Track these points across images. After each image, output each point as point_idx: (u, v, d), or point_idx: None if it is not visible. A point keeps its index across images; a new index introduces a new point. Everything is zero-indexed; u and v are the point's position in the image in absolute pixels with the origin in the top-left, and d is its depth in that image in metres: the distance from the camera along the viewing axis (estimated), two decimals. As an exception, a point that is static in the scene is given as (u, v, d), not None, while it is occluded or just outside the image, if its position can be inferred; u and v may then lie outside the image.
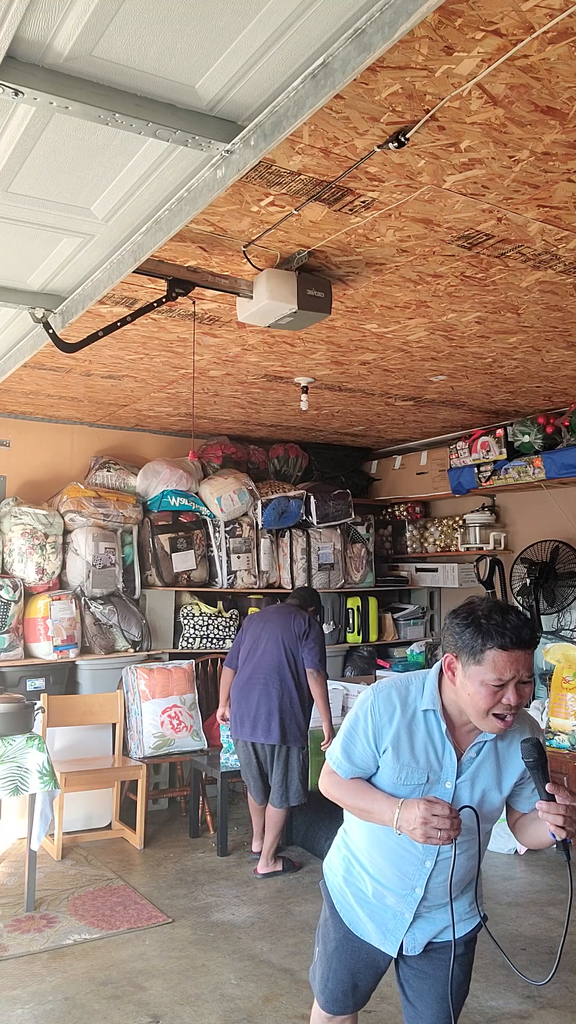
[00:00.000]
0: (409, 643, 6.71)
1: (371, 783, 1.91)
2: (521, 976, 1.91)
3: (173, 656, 5.69)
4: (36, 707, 4.18)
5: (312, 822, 4.70)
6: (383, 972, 2.06)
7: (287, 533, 6.31)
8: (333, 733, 4.46)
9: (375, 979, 2.06)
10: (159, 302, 3.07)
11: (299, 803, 4.37)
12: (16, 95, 1.68)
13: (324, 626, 6.39)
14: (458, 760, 1.84)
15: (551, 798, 1.70)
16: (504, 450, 5.57)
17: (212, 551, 5.99)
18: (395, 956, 1.96)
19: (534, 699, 5.64)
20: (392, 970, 2.08)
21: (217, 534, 5.98)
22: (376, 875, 1.94)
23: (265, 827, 4.44)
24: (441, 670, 1.84)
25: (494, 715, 1.74)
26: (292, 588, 6.27)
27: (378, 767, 1.89)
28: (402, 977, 2.03)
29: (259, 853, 4.48)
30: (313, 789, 4.00)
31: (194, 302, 3.39)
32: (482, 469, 5.76)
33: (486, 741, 1.85)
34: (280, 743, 4.34)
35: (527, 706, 2.65)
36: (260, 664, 4.45)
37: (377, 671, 6.44)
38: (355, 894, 1.99)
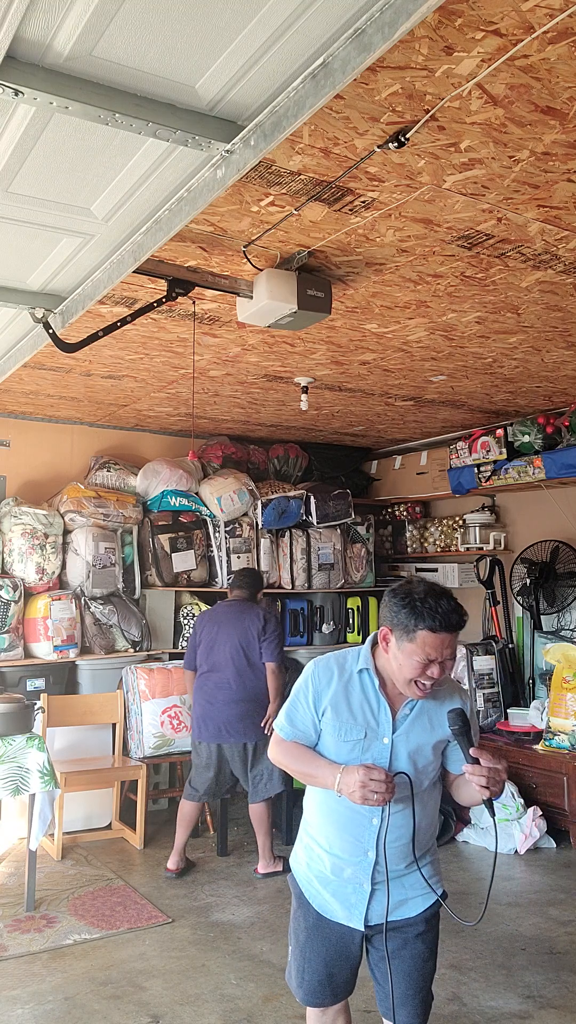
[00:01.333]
0: (409, 643, 6.71)
1: (317, 752, 2.06)
2: (454, 916, 2.04)
3: (173, 656, 5.69)
4: (36, 707, 4.18)
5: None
6: (357, 960, 2.12)
7: (287, 533, 6.31)
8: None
9: (350, 967, 2.11)
10: (159, 302, 3.07)
11: (281, 790, 4.39)
12: (16, 95, 1.68)
13: (324, 625, 6.40)
14: (393, 717, 2.00)
15: (476, 761, 1.90)
16: (504, 450, 5.57)
17: (212, 551, 5.99)
18: (362, 929, 2.04)
19: (534, 699, 5.65)
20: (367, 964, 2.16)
21: (217, 534, 5.98)
22: (332, 849, 2.05)
23: (255, 827, 4.44)
24: (375, 640, 2.03)
25: (416, 683, 1.93)
26: (292, 588, 6.28)
27: (320, 734, 2.04)
28: (372, 963, 2.12)
29: (175, 871, 4.36)
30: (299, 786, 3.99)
31: (194, 302, 3.39)
32: (482, 469, 5.76)
33: (416, 702, 2.02)
34: (250, 741, 4.37)
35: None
36: (218, 667, 4.46)
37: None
38: (318, 876, 2.09)
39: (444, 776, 2.13)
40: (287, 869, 4.19)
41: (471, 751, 1.91)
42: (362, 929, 2.05)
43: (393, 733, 1.99)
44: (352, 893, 2.04)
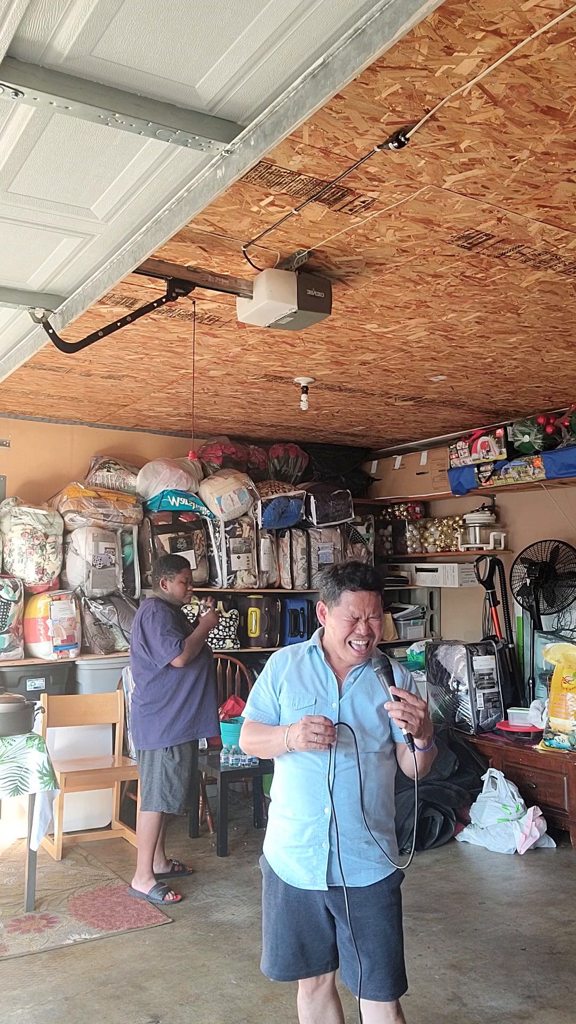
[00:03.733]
0: (409, 643, 6.71)
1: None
2: (385, 854, 2.25)
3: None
4: (36, 707, 4.18)
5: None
6: (327, 931, 2.25)
7: (287, 533, 6.31)
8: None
9: (320, 937, 2.25)
10: (159, 302, 3.07)
11: (158, 810, 4.15)
12: (16, 95, 1.68)
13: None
14: (339, 685, 2.27)
15: (398, 700, 2.12)
16: (504, 450, 5.57)
17: (212, 551, 5.99)
18: (325, 888, 2.18)
19: (534, 699, 5.65)
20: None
21: (217, 534, 5.98)
22: (294, 812, 2.25)
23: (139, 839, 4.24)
24: (322, 630, 2.34)
25: (350, 643, 2.22)
26: (292, 588, 6.29)
27: (279, 710, 2.30)
28: (338, 941, 2.26)
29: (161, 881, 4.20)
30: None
31: (194, 302, 3.39)
32: (482, 469, 5.75)
33: (359, 669, 2.28)
34: (140, 749, 4.25)
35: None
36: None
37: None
38: (285, 847, 2.27)
39: (396, 753, 2.32)
40: (156, 898, 4.05)
41: (391, 689, 2.15)
42: (325, 888, 2.19)
43: (340, 698, 2.25)
44: (313, 855, 2.21)
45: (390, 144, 2.16)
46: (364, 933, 2.20)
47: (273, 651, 6.73)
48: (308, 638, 6.55)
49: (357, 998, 2.22)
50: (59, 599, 5.21)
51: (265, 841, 2.39)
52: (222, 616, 5.92)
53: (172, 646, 4.14)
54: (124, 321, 3.11)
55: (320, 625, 2.37)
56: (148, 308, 3.10)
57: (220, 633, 5.88)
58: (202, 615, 4.53)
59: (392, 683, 2.19)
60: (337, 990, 2.40)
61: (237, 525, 6.02)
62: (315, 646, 2.34)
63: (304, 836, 2.23)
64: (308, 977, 2.30)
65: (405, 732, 2.12)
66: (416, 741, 2.12)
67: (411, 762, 2.21)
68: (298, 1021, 2.72)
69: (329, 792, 2.20)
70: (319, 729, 2.11)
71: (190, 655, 4.19)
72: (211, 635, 5.81)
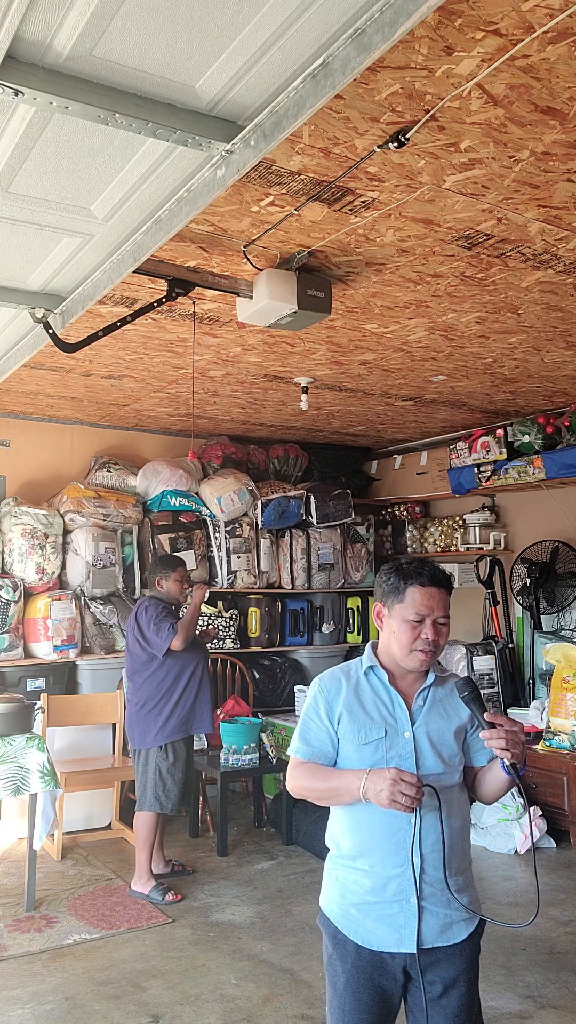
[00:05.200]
0: (409, 643, 6.70)
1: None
2: (504, 924, 1.89)
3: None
4: (36, 707, 4.18)
5: (313, 821, 4.70)
6: (394, 1005, 1.96)
7: (287, 533, 6.31)
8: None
9: (391, 1011, 1.96)
10: (159, 302, 3.07)
11: (153, 810, 4.14)
12: (16, 95, 1.68)
13: (324, 625, 6.40)
14: (409, 710, 1.97)
15: (492, 726, 1.85)
16: (504, 450, 5.57)
17: (212, 551, 5.99)
18: (414, 951, 1.89)
19: (534, 699, 5.65)
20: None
21: (217, 534, 5.98)
22: (372, 864, 1.93)
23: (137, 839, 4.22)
24: (374, 644, 2.06)
25: (416, 650, 1.94)
26: (292, 588, 6.28)
27: (338, 746, 1.97)
28: (413, 1002, 1.95)
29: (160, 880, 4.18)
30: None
31: (194, 302, 3.39)
32: (482, 469, 5.75)
33: (428, 688, 2.00)
34: (135, 749, 4.24)
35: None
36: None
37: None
38: (358, 904, 1.95)
39: (467, 777, 2.05)
40: (156, 898, 4.05)
41: (486, 716, 1.88)
42: (414, 951, 1.88)
43: (412, 725, 1.96)
44: (399, 912, 1.90)
45: (390, 144, 2.16)
46: (451, 994, 1.92)
47: (273, 652, 6.72)
48: (308, 639, 6.49)
49: None
50: (59, 599, 5.21)
51: (324, 897, 2.04)
52: (221, 616, 5.92)
53: (166, 631, 4.13)
54: (124, 321, 3.11)
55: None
56: (148, 308, 3.10)
57: (220, 633, 5.88)
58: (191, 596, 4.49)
59: (484, 709, 1.91)
60: None
61: (237, 525, 6.02)
62: (373, 665, 2.01)
63: (387, 891, 1.91)
64: None
65: (509, 762, 1.84)
66: (518, 767, 1.85)
67: (496, 789, 1.98)
68: (298, 1021, 2.70)
69: (418, 838, 1.90)
70: (411, 791, 1.78)
71: (186, 635, 4.15)
72: (212, 637, 5.81)
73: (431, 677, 2.00)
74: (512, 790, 4.78)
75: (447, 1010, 1.91)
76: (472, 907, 1.95)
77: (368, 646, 2.07)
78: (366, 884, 1.93)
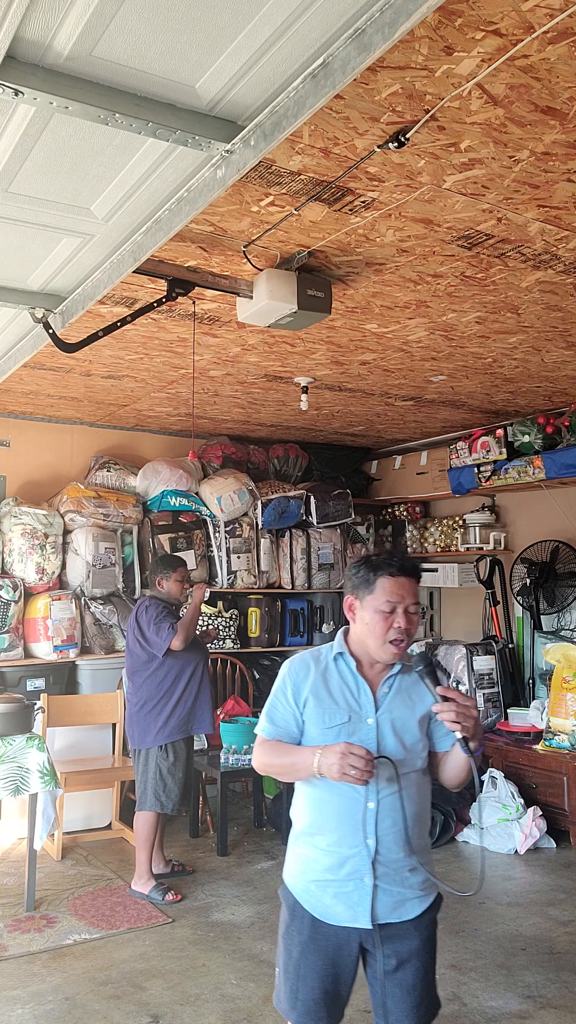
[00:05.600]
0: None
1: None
2: (453, 891, 1.98)
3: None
4: (36, 707, 4.18)
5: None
6: (352, 974, 2.02)
7: (287, 533, 6.31)
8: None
9: (344, 983, 2.02)
10: (159, 302, 3.07)
11: (153, 810, 4.13)
12: (16, 95, 1.68)
13: (324, 625, 6.40)
14: (374, 696, 2.02)
15: (445, 700, 1.92)
16: (504, 450, 5.57)
17: (212, 551, 5.99)
18: (369, 927, 1.96)
19: (534, 699, 5.65)
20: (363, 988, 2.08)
21: (217, 534, 5.98)
22: (330, 843, 1.99)
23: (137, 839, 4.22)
24: (346, 631, 2.09)
25: (389, 642, 1.97)
26: (292, 588, 6.28)
27: (303, 728, 2.03)
28: (371, 975, 2.03)
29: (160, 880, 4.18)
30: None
31: (194, 302, 3.39)
32: (482, 469, 5.75)
33: (394, 677, 2.04)
34: (135, 749, 4.24)
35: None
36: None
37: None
38: (317, 880, 2.01)
39: (431, 763, 2.10)
40: (156, 898, 4.04)
41: (438, 689, 1.94)
42: (369, 926, 1.95)
43: (376, 712, 2.00)
44: (355, 891, 1.97)
45: (390, 144, 2.16)
46: (405, 967, 1.99)
47: (273, 652, 6.72)
48: (308, 638, 6.52)
49: None
50: (59, 599, 5.21)
51: (287, 870, 2.12)
52: (221, 616, 5.92)
53: (166, 631, 4.12)
54: (124, 321, 3.11)
55: (342, 625, 2.12)
56: (148, 308, 3.10)
57: (220, 633, 5.88)
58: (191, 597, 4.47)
59: (438, 683, 1.96)
60: None
61: (237, 525, 6.02)
62: (341, 652, 2.06)
63: (343, 870, 1.98)
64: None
65: (459, 735, 1.90)
66: (471, 744, 1.91)
67: (458, 771, 2.03)
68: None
69: (374, 821, 1.96)
70: (359, 763, 1.83)
71: (186, 634, 4.15)
72: (212, 638, 5.81)
73: (397, 666, 2.04)
74: (512, 790, 4.81)
75: (403, 983, 1.98)
76: (425, 886, 2.02)
77: (340, 632, 2.11)
78: (324, 862, 2.00)
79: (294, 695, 2.04)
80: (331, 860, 1.99)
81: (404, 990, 1.98)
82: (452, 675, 5.72)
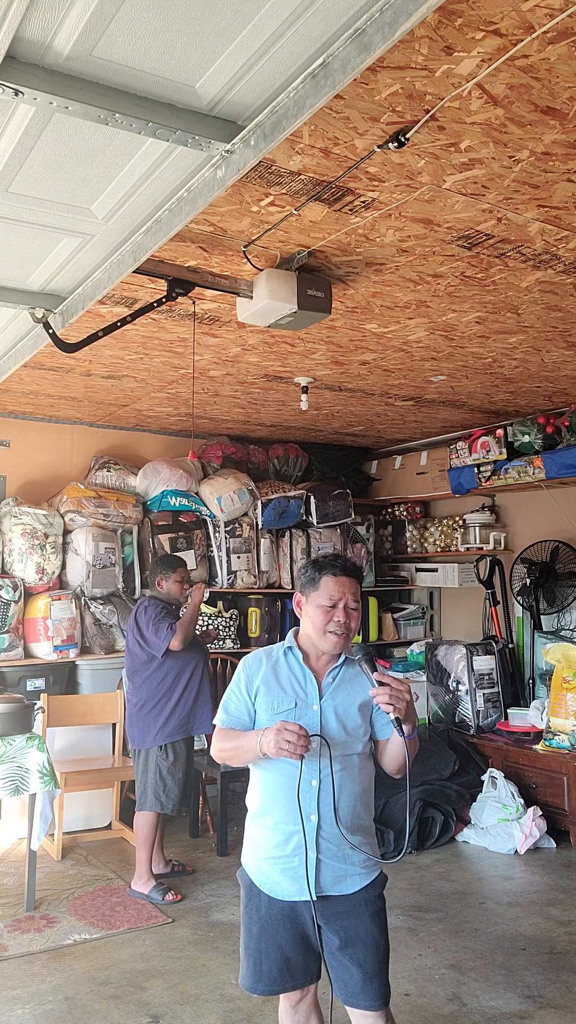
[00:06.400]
0: (409, 643, 6.71)
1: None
2: (371, 856, 2.20)
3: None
4: (36, 707, 4.18)
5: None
6: (311, 943, 2.18)
7: (287, 533, 6.31)
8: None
9: (305, 950, 2.19)
10: (159, 302, 3.07)
11: (153, 810, 4.14)
12: (16, 95, 1.68)
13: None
14: (318, 686, 2.23)
15: (381, 685, 2.10)
16: (504, 450, 5.57)
17: (212, 551, 5.99)
18: (313, 898, 2.11)
19: (534, 699, 5.65)
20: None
21: (217, 534, 5.98)
22: (277, 821, 2.18)
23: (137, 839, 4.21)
24: (296, 630, 2.31)
25: (329, 632, 2.19)
26: (292, 588, 6.28)
27: (254, 715, 2.23)
28: (326, 951, 2.19)
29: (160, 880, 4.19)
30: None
31: (194, 302, 3.39)
32: (482, 469, 5.75)
33: (338, 668, 2.25)
34: (135, 749, 4.24)
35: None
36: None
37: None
38: (267, 858, 2.19)
39: (376, 751, 2.28)
40: (156, 898, 4.05)
41: (375, 675, 2.13)
42: (313, 898, 2.11)
43: (320, 699, 2.20)
44: (299, 865, 2.13)
45: (390, 144, 2.16)
46: (354, 942, 2.16)
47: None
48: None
49: (348, 1009, 2.18)
50: (59, 599, 5.21)
51: (243, 853, 2.30)
52: (222, 616, 5.92)
53: (165, 631, 4.13)
54: (124, 321, 3.11)
55: (293, 626, 2.31)
56: (148, 308, 3.10)
57: (220, 633, 5.88)
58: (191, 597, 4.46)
59: (374, 670, 2.16)
60: (317, 1001, 2.34)
61: (237, 525, 6.02)
62: (291, 646, 2.27)
63: (288, 846, 2.16)
64: (293, 990, 2.23)
65: (392, 716, 2.07)
66: (404, 726, 2.08)
67: (395, 755, 2.19)
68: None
69: (316, 799, 2.14)
70: (292, 737, 2.02)
71: (185, 634, 4.15)
72: (212, 638, 5.81)
73: (342, 658, 2.25)
74: (512, 790, 4.81)
75: (353, 958, 2.15)
76: (367, 864, 2.20)
77: (291, 632, 2.33)
78: (272, 839, 2.19)
79: (247, 686, 2.25)
80: (278, 837, 2.17)
81: (356, 964, 2.14)
82: (452, 675, 5.72)
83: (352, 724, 2.20)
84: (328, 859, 2.15)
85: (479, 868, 4.56)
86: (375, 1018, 2.16)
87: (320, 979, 2.24)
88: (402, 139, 2.13)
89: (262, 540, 6.14)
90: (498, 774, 4.99)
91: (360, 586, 2.28)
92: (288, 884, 2.16)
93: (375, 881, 2.22)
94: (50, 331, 3.02)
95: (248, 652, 6.22)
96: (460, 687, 5.64)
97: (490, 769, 5.08)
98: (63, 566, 5.44)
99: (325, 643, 2.21)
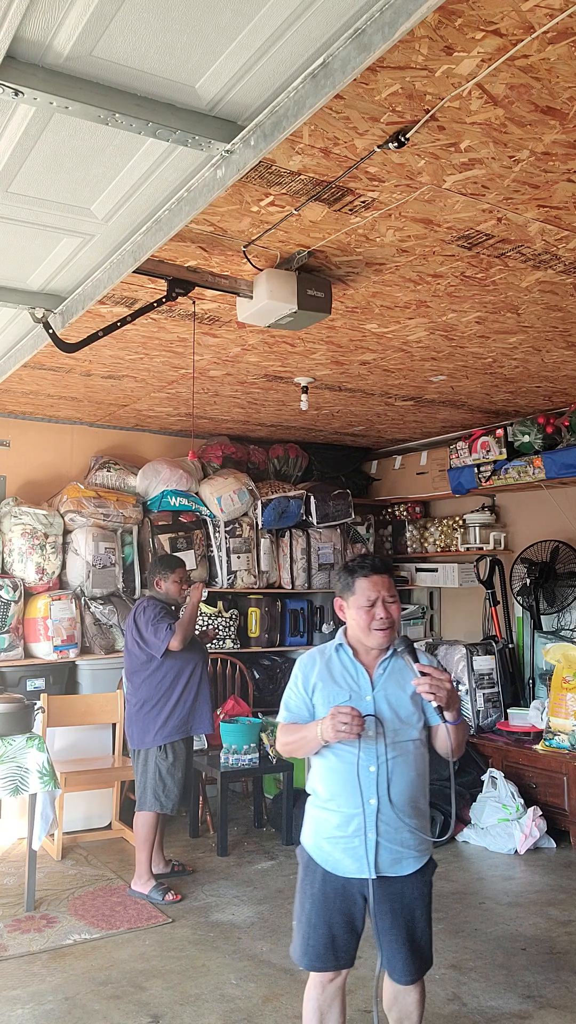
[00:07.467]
0: (409, 643, 6.70)
1: None
2: (425, 839, 2.38)
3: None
4: (36, 707, 4.18)
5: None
6: (357, 924, 2.35)
7: (287, 533, 6.31)
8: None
9: (351, 931, 2.34)
10: (159, 302, 3.07)
11: (152, 810, 4.12)
12: (16, 95, 1.68)
13: (324, 625, 6.40)
14: (370, 678, 2.36)
15: (424, 675, 2.24)
16: (504, 450, 5.57)
17: (212, 551, 5.99)
18: (373, 876, 2.27)
19: (534, 699, 5.65)
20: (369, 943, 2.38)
21: (217, 534, 5.98)
22: (338, 805, 2.32)
23: (137, 839, 4.21)
24: (345, 628, 2.44)
25: (375, 629, 2.33)
26: (292, 588, 6.28)
27: (313, 710, 2.37)
28: (377, 931, 2.35)
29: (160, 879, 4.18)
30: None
31: (194, 302, 3.39)
32: (482, 469, 5.75)
33: (387, 660, 2.37)
34: (135, 749, 4.22)
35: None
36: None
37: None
38: (328, 838, 2.34)
39: (431, 739, 2.41)
40: (156, 898, 4.05)
41: (417, 666, 2.27)
42: (373, 876, 2.27)
43: (373, 690, 2.34)
44: (360, 845, 2.28)
45: (390, 144, 2.16)
46: (401, 919, 2.32)
47: (273, 652, 6.73)
48: (308, 638, 6.63)
49: (394, 982, 2.38)
50: (59, 599, 5.21)
51: (303, 833, 2.45)
52: (221, 616, 5.92)
53: (164, 631, 4.12)
54: (124, 321, 3.11)
55: (342, 623, 2.44)
56: (148, 308, 3.10)
57: (220, 633, 5.88)
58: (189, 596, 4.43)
59: (416, 660, 2.29)
60: (344, 988, 2.44)
61: (237, 525, 6.02)
62: (341, 644, 2.41)
63: (350, 827, 2.30)
64: (333, 970, 2.36)
65: (435, 705, 2.21)
66: (446, 714, 2.22)
67: (444, 739, 2.31)
68: (298, 1021, 2.72)
69: (375, 784, 2.27)
70: (346, 719, 2.17)
71: (184, 634, 4.14)
72: (211, 638, 5.81)
73: (390, 651, 2.37)
74: (512, 790, 4.81)
75: (399, 934, 2.32)
76: (420, 847, 2.35)
77: (340, 630, 2.47)
78: (334, 820, 2.33)
79: (303, 684, 2.40)
80: (339, 819, 2.32)
81: (400, 939, 2.32)
82: (452, 675, 5.73)
83: (405, 712, 2.33)
84: (386, 841, 2.29)
85: (479, 868, 4.56)
86: (409, 990, 2.40)
87: (352, 966, 2.39)
88: (402, 139, 2.13)
89: (262, 540, 6.14)
90: (498, 774, 4.99)
91: (392, 579, 2.40)
92: (349, 863, 2.31)
93: (427, 866, 2.38)
94: (50, 331, 3.02)
95: (250, 651, 6.18)
96: (460, 687, 5.63)
97: (490, 769, 5.08)
98: (63, 566, 5.44)
99: (373, 640, 2.34)
